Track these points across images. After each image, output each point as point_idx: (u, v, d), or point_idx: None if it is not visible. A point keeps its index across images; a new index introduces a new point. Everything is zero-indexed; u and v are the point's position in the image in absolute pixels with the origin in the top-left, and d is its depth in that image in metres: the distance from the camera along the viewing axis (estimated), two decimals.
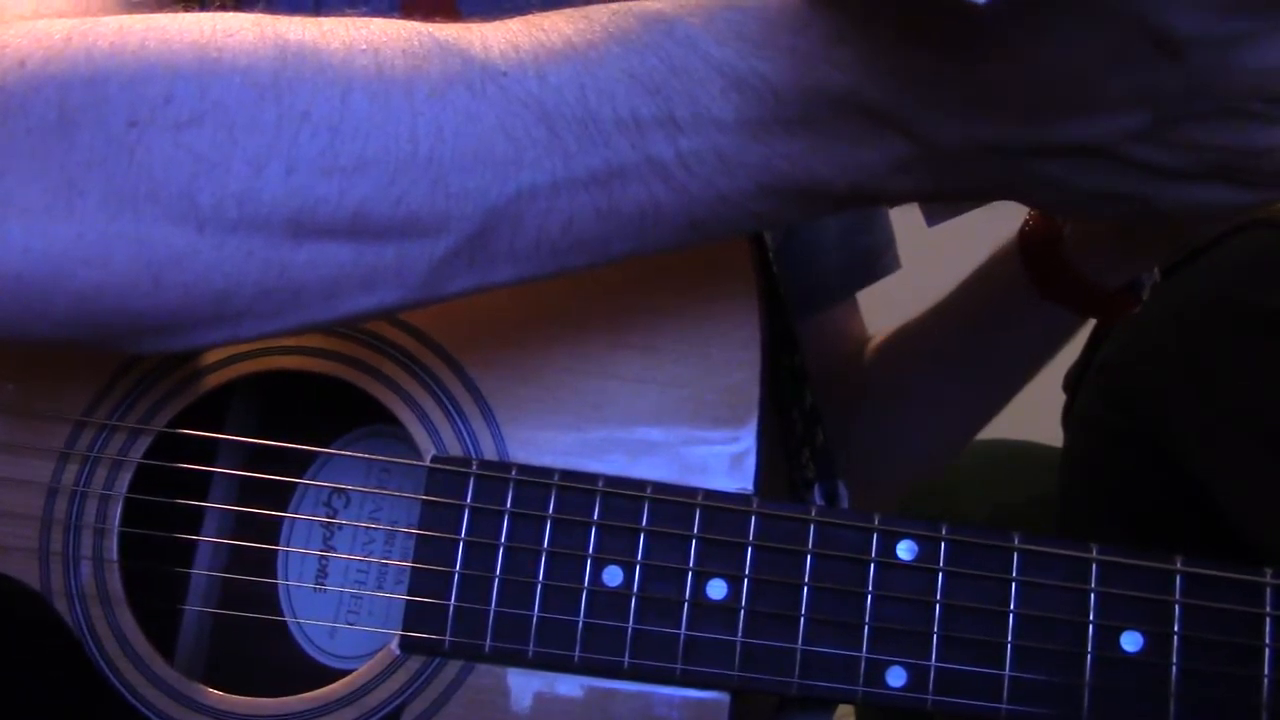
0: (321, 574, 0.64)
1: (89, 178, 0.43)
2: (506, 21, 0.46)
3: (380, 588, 0.63)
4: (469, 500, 0.54)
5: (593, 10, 0.46)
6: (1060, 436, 0.97)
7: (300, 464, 0.64)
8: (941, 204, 0.59)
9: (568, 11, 0.46)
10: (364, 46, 0.44)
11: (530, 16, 0.47)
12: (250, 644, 0.64)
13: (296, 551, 0.63)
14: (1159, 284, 0.70)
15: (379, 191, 0.44)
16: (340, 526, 0.64)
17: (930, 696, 0.51)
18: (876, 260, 0.83)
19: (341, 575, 0.63)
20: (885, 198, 0.47)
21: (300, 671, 0.63)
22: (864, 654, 0.51)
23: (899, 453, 0.78)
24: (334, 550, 0.63)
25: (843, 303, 0.83)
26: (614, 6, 0.46)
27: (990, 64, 0.41)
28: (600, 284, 0.56)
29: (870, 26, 0.43)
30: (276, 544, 0.64)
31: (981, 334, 0.72)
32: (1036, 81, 0.41)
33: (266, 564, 0.64)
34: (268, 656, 0.64)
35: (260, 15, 0.45)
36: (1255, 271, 0.94)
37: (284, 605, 0.64)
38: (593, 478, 0.54)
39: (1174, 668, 0.50)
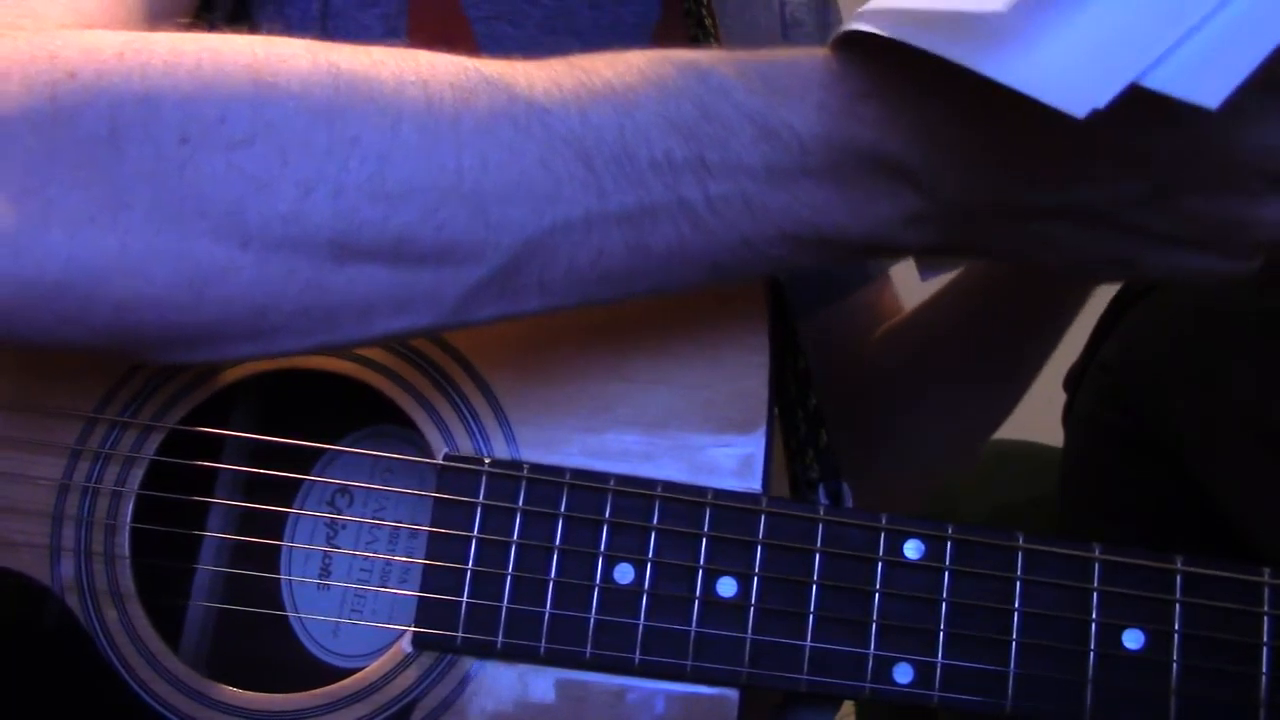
0: (325, 573, 0.64)
1: (137, 191, 0.44)
2: (549, 62, 0.48)
3: (385, 586, 0.63)
4: (482, 498, 0.55)
5: (632, 56, 0.48)
6: (1060, 436, 0.98)
7: (305, 462, 0.64)
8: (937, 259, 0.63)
9: (607, 55, 0.48)
10: (413, 78, 0.46)
11: (572, 58, 0.48)
12: (253, 641, 0.64)
13: (300, 549, 0.64)
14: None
15: (422, 218, 0.45)
16: (344, 525, 0.64)
17: (936, 693, 0.52)
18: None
19: (345, 574, 0.64)
20: (896, 248, 0.50)
21: (303, 669, 0.63)
22: (871, 651, 0.52)
23: (935, 435, 0.79)
24: (338, 548, 0.64)
25: (870, 283, 0.84)
26: (652, 53, 0.48)
27: (1005, 130, 0.43)
28: None
29: (894, 86, 0.45)
30: (281, 543, 0.64)
31: (1002, 300, 0.72)
32: (1047, 146, 0.43)
33: (271, 562, 0.64)
34: (271, 654, 0.64)
35: (312, 42, 0.46)
36: (1256, 271, 0.95)
37: (287, 604, 0.64)
38: (604, 477, 0.54)
39: (1174, 665, 0.51)
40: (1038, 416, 0.92)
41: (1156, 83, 0.35)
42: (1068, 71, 0.37)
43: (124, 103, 0.44)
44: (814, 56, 0.47)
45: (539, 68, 0.47)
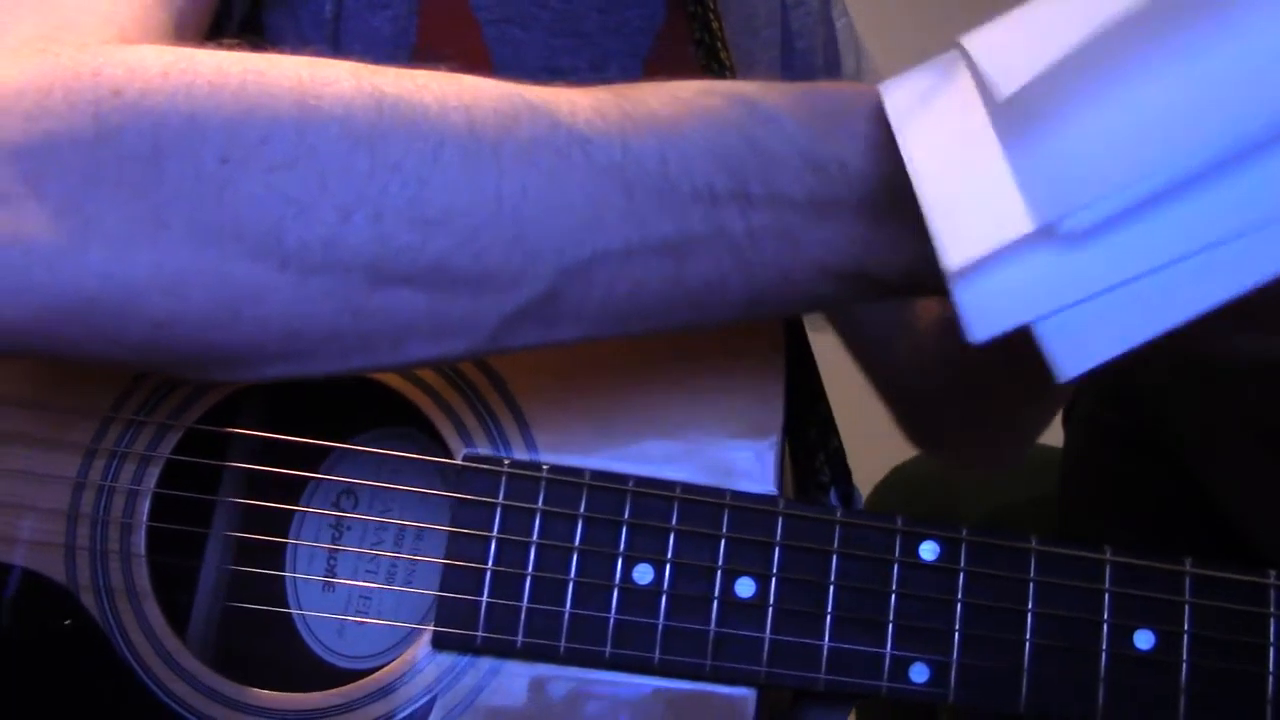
0: (330, 573, 0.64)
1: (175, 209, 0.43)
2: (594, 90, 0.48)
3: (393, 585, 0.63)
4: (501, 498, 0.55)
5: (678, 85, 0.48)
6: (1060, 436, 0.99)
7: (312, 463, 0.64)
8: None
9: (653, 85, 0.48)
10: (456, 103, 0.45)
11: (617, 86, 0.48)
12: (258, 641, 0.64)
13: (305, 545, 0.64)
14: None
15: (460, 245, 0.45)
16: (350, 526, 0.65)
17: (952, 692, 0.53)
18: None
19: (352, 575, 0.64)
20: (940, 287, 0.49)
21: (307, 670, 0.63)
22: (889, 651, 0.53)
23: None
24: (344, 548, 0.64)
25: None
26: (699, 84, 0.48)
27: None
28: None
29: None
30: (285, 544, 0.64)
31: None
32: None
33: (276, 563, 0.64)
34: (276, 655, 0.64)
35: (357, 65, 0.46)
36: None
37: (293, 604, 0.64)
38: (623, 478, 0.55)
39: (1184, 665, 0.52)
40: None
41: (1042, 331, 0.37)
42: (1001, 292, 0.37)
43: (167, 122, 0.43)
44: (859, 89, 0.47)
45: (583, 95, 0.47)
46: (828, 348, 0.97)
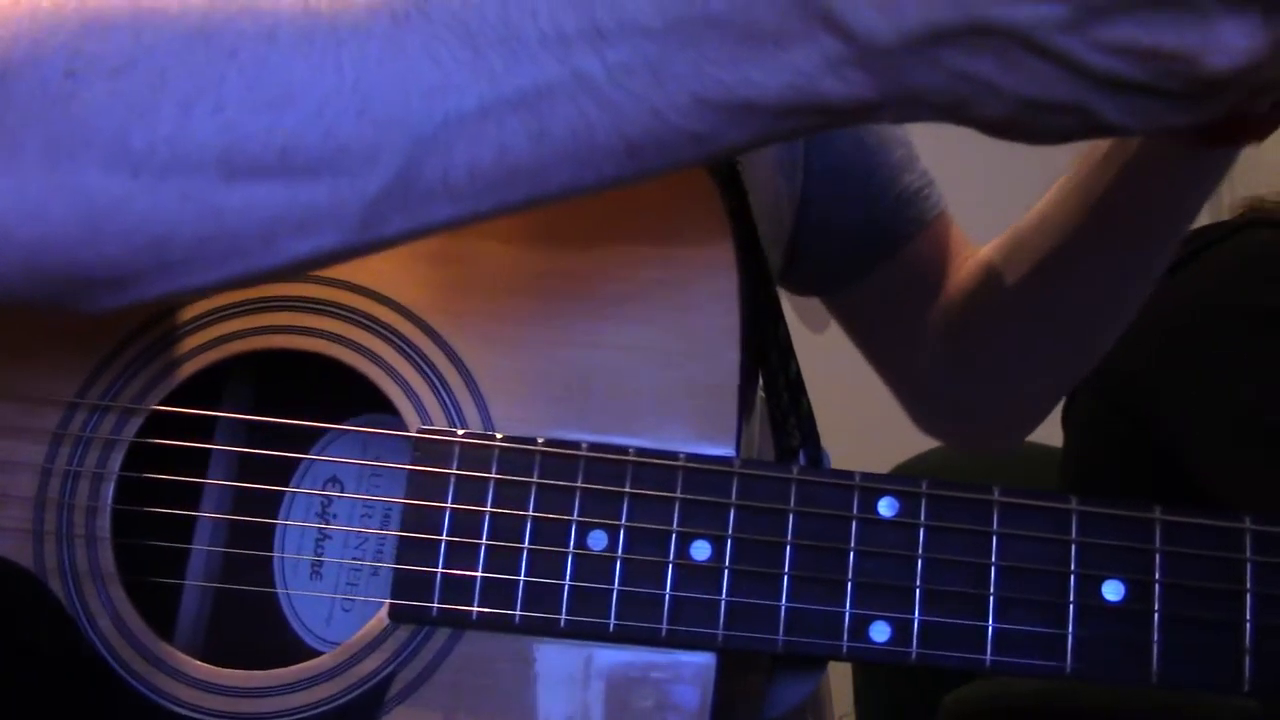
0: (316, 560, 0.64)
1: (28, 131, 0.44)
2: None
3: (370, 562, 0.63)
4: (455, 468, 0.55)
5: None
6: (1060, 436, 0.97)
7: (296, 446, 0.64)
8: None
9: None
10: None
11: None
12: (248, 630, 0.64)
13: (294, 526, 0.64)
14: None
15: (305, 125, 0.44)
16: (335, 514, 0.65)
17: (914, 650, 0.51)
18: (925, 199, 0.84)
19: (339, 556, 0.64)
20: (822, 105, 0.45)
21: (297, 658, 0.63)
22: (848, 610, 0.52)
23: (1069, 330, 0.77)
24: (329, 536, 0.64)
25: (928, 227, 0.83)
26: None
27: None
28: (581, 254, 0.57)
29: None
30: (273, 529, 0.64)
31: (1129, 190, 0.68)
32: None
33: (263, 546, 0.64)
34: (264, 644, 0.64)
35: None
36: (1255, 270, 0.94)
37: (280, 594, 0.64)
38: (576, 444, 0.54)
39: (1155, 615, 0.50)
40: None
41: None
42: None
43: (17, 44, 0.44)
44: None
45: None
46: (828, 348, 0.97)
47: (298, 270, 0.48)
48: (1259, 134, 0.59)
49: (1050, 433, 0.97)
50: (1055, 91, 0.42)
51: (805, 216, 0.83)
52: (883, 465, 1.20)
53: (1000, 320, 0.79)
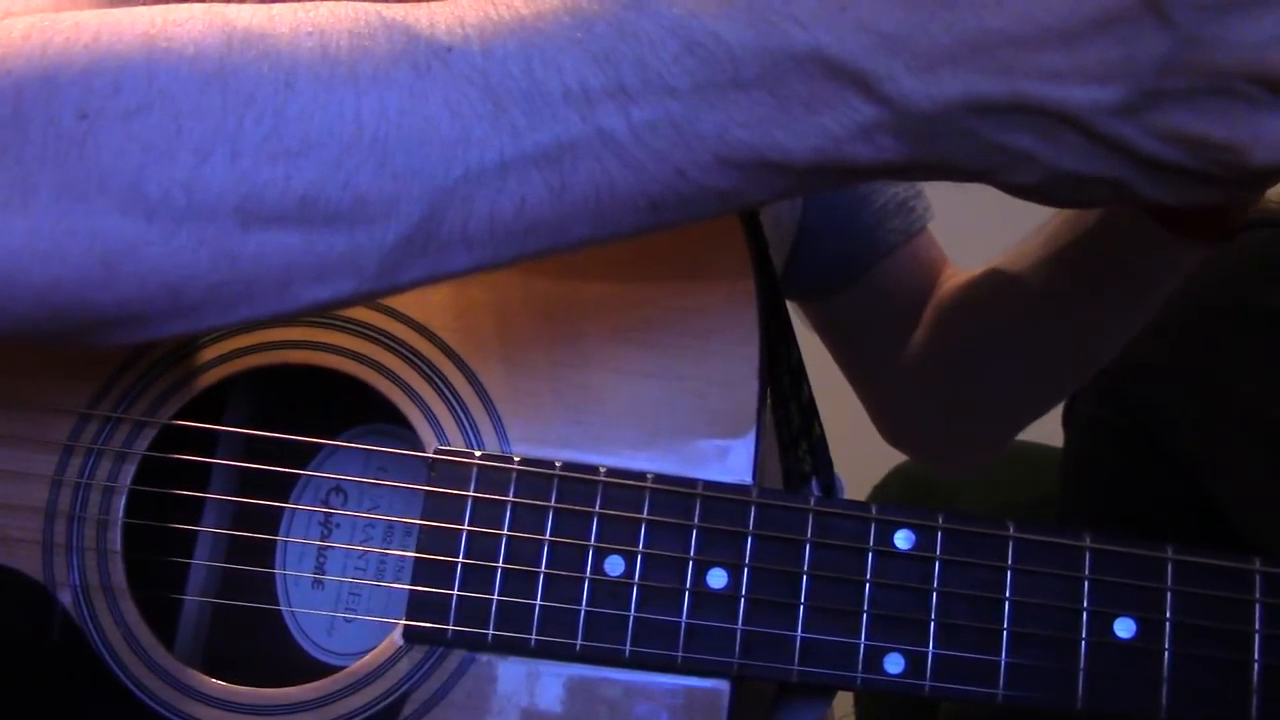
0: (319, 571, 0.64)
1: (42, 171, 0.43)
2: None
3: (379, 581, 0.63)
4: (472, 490, 0.55)
5: None
6: (1060, 436, 0.98)
7: (300, 460, 0.64)
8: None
9: None
10: (309, 29, 0.44)
11: None
12: (249, 640, 0.64)
13: (295, 542, 0.64)
14: None
15: (324, 175, 0.43)
16: (338, 524, 0.65)
17: (928, 683, 0.52)
18: (911, 210, 0.84)
19: (339, 571, 0.64)
20: (850, 169, 0.45)
21: (299, 668, 0.63)
22: (862, 641, 0.52)
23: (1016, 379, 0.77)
24: (332, 544, 0.64)
25: (914, 238, 0.84)
26: None
27: (963, 13, 0.40)
28: (600, 279, 0.57)
29: None
30: (275, 541, 0.64)
31: (1103, 257, 0.69)
32: (1011, 32, 0.40)
33: (265, 560, 0.64)
34: (266, 654, 0.64)
35: (211, 5, 0.45)
36: (1258, 271, 0.95)
37: (282, 602, 0.64)
38: (594, 468, 0.55)
39: (1166, 653, 0.51)
40: None
41: None
42: None
43: (27, 82, 0.43)
44: None
45: (445, 6, 0.45)
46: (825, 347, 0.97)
47: (313, 313, 0.47)
48: (1229, 234, 0.60)
49: (1050, 432, 0.98)
50: (1094, 167, 0.42)
51: (805, 218, 0.84)
52: (883, 465, 1.21)
53: (974, 351, 0.79)
